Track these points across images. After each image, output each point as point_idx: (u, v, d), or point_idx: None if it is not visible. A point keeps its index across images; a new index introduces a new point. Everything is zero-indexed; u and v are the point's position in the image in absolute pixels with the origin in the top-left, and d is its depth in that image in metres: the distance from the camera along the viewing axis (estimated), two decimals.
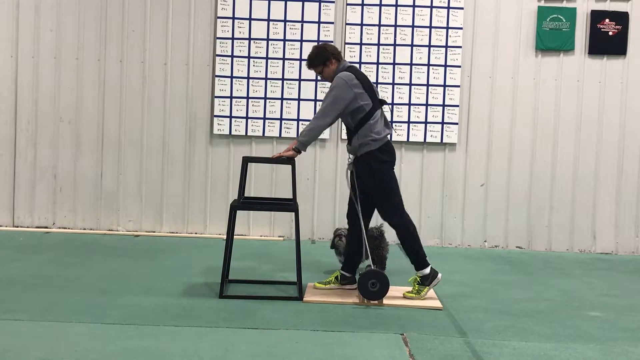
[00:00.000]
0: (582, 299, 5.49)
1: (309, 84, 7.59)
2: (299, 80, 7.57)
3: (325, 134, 7.43)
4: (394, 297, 5.10)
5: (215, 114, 7.62)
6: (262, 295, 5.16)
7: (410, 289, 5.19)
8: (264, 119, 7.62)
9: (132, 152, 7.71)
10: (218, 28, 7.60)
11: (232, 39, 7.59)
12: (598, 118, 7.66)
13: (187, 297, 5.04)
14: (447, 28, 7.57)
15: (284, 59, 7.60)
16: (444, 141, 7.62)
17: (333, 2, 7.56)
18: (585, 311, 5.09)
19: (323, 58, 5.19)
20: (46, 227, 7.72)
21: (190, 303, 4.87)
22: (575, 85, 7.66)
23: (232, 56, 7.60)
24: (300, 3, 7.55)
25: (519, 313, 4.95)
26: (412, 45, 7.59)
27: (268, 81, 7.61)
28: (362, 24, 7.58)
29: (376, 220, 5.56)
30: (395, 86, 7.59)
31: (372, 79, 7.56)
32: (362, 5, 7.56)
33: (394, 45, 7.59)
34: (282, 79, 7.61)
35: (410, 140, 7.62)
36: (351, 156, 5.22)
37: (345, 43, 7.59)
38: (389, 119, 5.34)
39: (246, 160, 5.24)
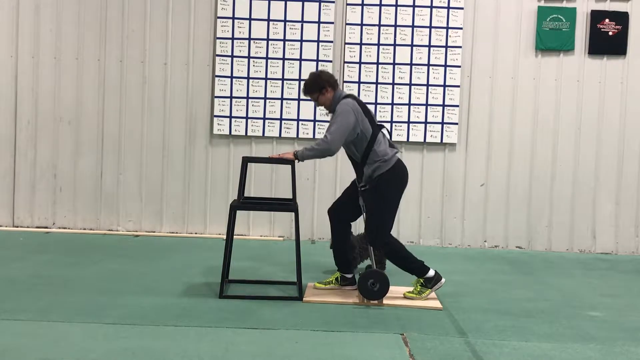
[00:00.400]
0: (582, 299, 5.49)
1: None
2: (299, 80, 7.57)
3: None
4: (394, 297, 5.11)
5: (215, 114, 7.62)
6: (262, 295, 5.16)
7: (411, 289, 5.19)
8: (264, 119, 7.62)
9: (132, 152, 7.71)
10: (218, 28, 7.60)
11: (232, 39, 7.59)
12: (598, 118, 7.66)
13: (187, 297, 5.04)
14: (447, 28, 7.57)
15: (284, 59, 7.60)
16: (444, 141, 7.62)
17: (333, 2, 7.56)
18: (585, 311, 5.09)
19: (319, 85, 5.22)
20: (46, 227, 7.72)
21: (190, 303, 4.87)
22: (575, 85, 7.66)
23: (232, 56, 7.60)
24: (300, 3, 7.55)
25: (519, 313, 4.95)
26: (412, 45, 7.59)
27: (268, 81, 7.61)
28: (362, 24, 7.58)
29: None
30: (395, 86, 7.59)
31: (372, 79, 7.57)
32: (362, 5, 7.56)
33: (394, 45, 7.59)
34: (282, 79, 7.61)
35: (410, 140, 7.62)
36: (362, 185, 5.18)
37: (345, 43, 7.59)
38: (389, 140, 5.33)
39: (246, 160, 5.24)
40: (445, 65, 7.58)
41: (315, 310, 4.82)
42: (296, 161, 5.13)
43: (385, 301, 5.01)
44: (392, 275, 5.32)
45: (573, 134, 7.68)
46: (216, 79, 7.61)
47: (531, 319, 4.79)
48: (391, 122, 7.55)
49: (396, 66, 7.59)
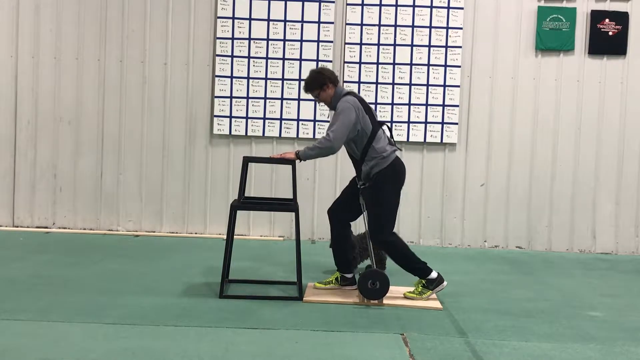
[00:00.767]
0: (582, 299, 5.49)
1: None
2: (299, 80, 7.57)
3: None
4: (394, 297, 5.10)
5: (215, 114, 7.62)
6: (262, 295, 5.16)
7: (411, 289, 5.19)
8: (264, 119, 7.62)
9: (132, 152, 7.71)
10: (218, 28, 7.60)
11: (232, 39, 7.59)
12: (598, 118, 7.66)
13: (187, 297, 5.04)
14: (447, 28, 7.57)
15: (284, 59, 7.60)
16: (444, 141, 7.62)
17: (333, 2, 7.56)
18: (585, 311, 5.09)
19: (320, 82, 5.22)
20: (46, 227, 7.72)
21: (190, 303, 4.87)
22: (575, 85, 7.66)
23: (232, 56, 7.60)
24: (300, 3, 7.55)
25: (519, 313, 4.95)
26: (412, 45, 7.59)
27: (268, 81, 7.61)
28: (362, 24, 7.57)
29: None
30: (395, 86, 7.59)
31: (372, 79, 7.57)
32: (362, 5, 7.56)
33: (394, 45, 7.59)
34: (282, 79, 7.61)
35: (410, 140, 7.62)
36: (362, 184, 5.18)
37: (345, 43, 7.59)
38: (389, 137, 5.32)
39: (246, 160, 5.24)
40: (445, 65, 7.58)
41: (315, 310, 4.82)
42: (298, 161, 5.13)
43: (385, 301, 5.01)
44: (393, 275, 5.32)
45: (573, 134, 7.68)
46: (216, 79, 7.61)
47: (531, 319, 4.79)
48: (391, 122, 7.55)
49: (396, 66, 7.59)
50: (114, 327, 4.26)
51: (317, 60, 7.54)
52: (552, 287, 5.87)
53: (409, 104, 7.60)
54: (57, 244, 7.00)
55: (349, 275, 5.40)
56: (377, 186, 5.06)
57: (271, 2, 7.55)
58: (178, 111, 7.70)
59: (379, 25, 7.58)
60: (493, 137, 7.68)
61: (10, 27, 7.66)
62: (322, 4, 7.55)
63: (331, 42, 7.57)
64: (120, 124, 7.70)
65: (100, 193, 7.73)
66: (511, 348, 4.13)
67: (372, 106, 7.36)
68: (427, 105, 7.59)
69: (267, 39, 7.59)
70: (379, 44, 7.59)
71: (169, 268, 6.04)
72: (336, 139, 5.00)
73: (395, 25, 7.58)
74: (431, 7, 7.56)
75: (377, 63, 7.58)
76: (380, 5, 7.56)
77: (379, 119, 5.29)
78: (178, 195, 7.73)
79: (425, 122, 7.60)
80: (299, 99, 7.58)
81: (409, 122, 7.60)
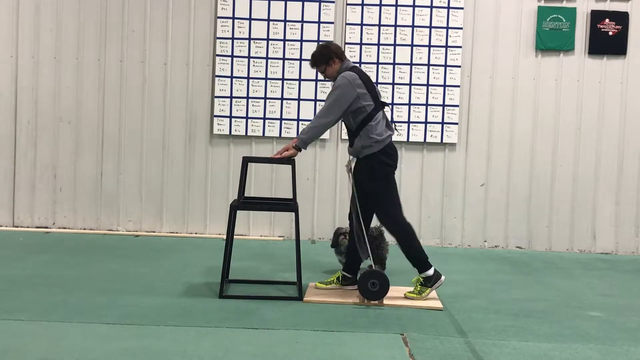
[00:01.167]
0: (582, 299, 5.49)
1: (309, 84, 7.59)
2: (299, 80, 7.57)
3: (325, 134, 7.41)
4: (394, 297, 5.10)
5: (215, 114, 7.62)
6: (262, 295, 5.16)
7: (411, 289, 5.19)
8: (264, 119, 7.62)
9: (132, 152, 7.71)
10: (218, 28, 7.60)
11: (232, 39, 7.59)
12: (598, 118, 7.66)
13: (187, 297, 5.04)
14: (447, 28, 7.57)
15: (284, 59, 7.60)
16: (444, 141, 7.62)
17: (333, 2, 7.56)
18: (585, 311, 5.09)
19: (326, 57, 5.19)
20: (46, 227, 7.72)
21: (190, 303, 4.87)
22: (575, 85, 7.66)
23: (232, 56, 7.60)
24: (300, 3, 7.55)
25: (519, 313, 4.95)
26: (412, 45, 7.59)
27: (268, 81, 7.61)
28: (362, 24, 7.58)
29: (376, 220, 5.55)
30: (395, 86, 7.59)
31: (372, 79, 7.54)
32: (362, 5, 7.56)
33: (394, 45, 7.59)
34: (282, 79, 7.61)
35: (410, 140, 7.62)
36: (351, 157, 5.20)
37: (345, 43, 7.59)
38: (390, 120, 5.32)
39: (246, 160, 5.24)
40: (445, 65, 7.58)
41: (316, 310, 4.81)
42: (299, 151, 5.09)
43: (385, 301, 5.01)
44: (393, 275, 5.32)
45: (573, 134, 7.68)
46: (216, 79, 7.61)
47: (531, 319, 4.79)
48: (392, 121, 7.52)
49: (396, 66, 7.59)
50: (114, 327, 4.26)
51: None
52: (552, 287, 5.87)
53: (409, 104, 7.60)
54: (57, 244, 7.00)
55: (350, 275, 5.39)
56: (371, 171, 5.02)
57: (271, 2, 7.55)
58: (178, 111, 7.70)
59: (379, 25, 7.58)
60: (493, 137, 7.68)
61: (10, 27, 7.66)
62: (322, 4, 7.55)
63: (331, 42, 7.56)
64: (120, 124, 7.70)
65: (100, 193, 7.73)
66: (511, 348, 4.13)
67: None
68: (427, 105, 7.59)
69: (267, 39, 7.59)
70: (379, 44, 7.59)
71: (169, 268, 6.04)
72: (329, 113, 4.99)
73: (395, 25, 7.58)
74: (431, 7, 7.56)
75: (377, 63, 7.58)
76: (380, 5, 7.56)
77: (382, 99, 5.23)
78: (178, 195, 7.73)
79: (425, 122, 7.60)
80: (299, 99, 7.58)
81: (409, 122, 7.60)
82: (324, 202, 7.63)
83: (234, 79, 7.61)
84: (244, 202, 5.36)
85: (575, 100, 7.66)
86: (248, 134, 7.63)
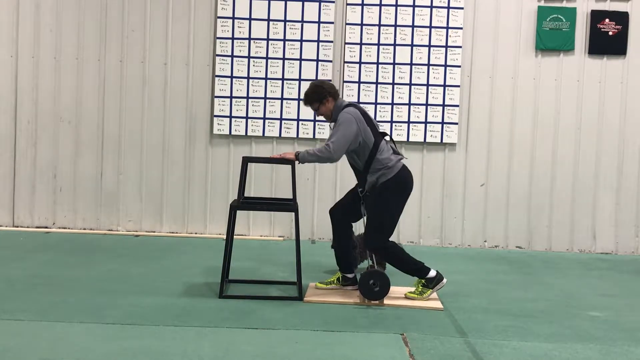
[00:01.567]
0: (582, 299, 5.49)
1: (309, 84, 7.57)
2: (299, 80, 7.57)
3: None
4: (395, 297, 5.10)
5: (215, 114, 7.62)
6: (262, 295, 5.16)
7: (412, 289, 5.19)
8: (264, 119, 7.62)
9: (132, 152, 7.71)
10: (218, 28, 7.60)
11: (232, 39, 7.59)
12: (598, 118, 7.66)
13: (187, 297, 5.04)
14: (447, 28, 7.57)
15: (284, 59, 7.60)
16: (444, 141, 7.62)
17: (333, 2, 7.56)
18: (585, 311, 5.09)
19: (320, 95, 5.21)
20: (46, 227, 7.72)
21: (190, 303, 4.87)
22: (575, 85, 7.66)
23: (232, 56, 7.60)
24: (300, 3, 7.55)
25: (519, 313, 4.95)
26: (412, 45, 7.59)
27: (268, 81, 7.61)
28: (362, 24, 7.58)
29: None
30: (395, 86, 7.59)
31: (372, 79, 7.57)
32: (362, 5, 7.56)
33: (394, 45, 7.59)
34: (282, 79, 7.61)
35: (410, 140, 7.62)
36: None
37: (345, 43, 7.59)
38: (394, 148, 5.30)
39: (246, 160, 5.24)
40: (445, 65, 7.58)
41: (316, 310, 4.81)
42: (296, 162, 5.13)
43: (385, 301, 5.01)
44: (393, 275, 5.31)
45: (573, 134, 7.68)
46: (216, 79, 7.61)
47: (531, 319, 4.79)
48: (391, 122, 7.55)
49: (396, 66, 7.59)
50: (114, 327, 4.26)
51: (317, 60, 7.54)
52: (552, 287, 5.87)
53: (409, 104, 7.59)
54: (57, 244, 7.00)
55: (350, 275, 5.40)
56: (382, 195, 5.05)
57: (271, 2, 7.55)
58: (178, 111, 7.70)
59: (379, 25, 7.58)
60: (493, 137, 7.68)
61: (10, 27, 7.66)
62: (322, 4, 7.55)
63: (331, 42, 7.57)
64: (120, 124, 7.70)
65: (100, 193, 7.73)
66: (511, 348, 4.13)
67: (372, 107, 7.43)
68: (427, 105, 7.59)
69: (267, 39, 7.59)
70: (379, 44, 7.59)
71: (168, 268, 6.04)
72: (336, 150, 5.00)
73: (395, 25, 7.58)
74: (431, 7, 7.56)
75: (377, 63, 7.58)
76: (380, 5, 7.56)
77: (380, 130, 5.27)
78: (178, 195, 7.73)
79: (425, 122, 7.60)
80: (299, 99, 7.58)
81: (409, 122, 7.60)
82: (324, 202, 7.63)
83: (234, 79, 7.61)
84: (244, 202, 5.36)
85: (575, 100, 7.66)
86: (248, 134, 7.63)
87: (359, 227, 6.35)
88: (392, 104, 7.57)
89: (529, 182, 7.69)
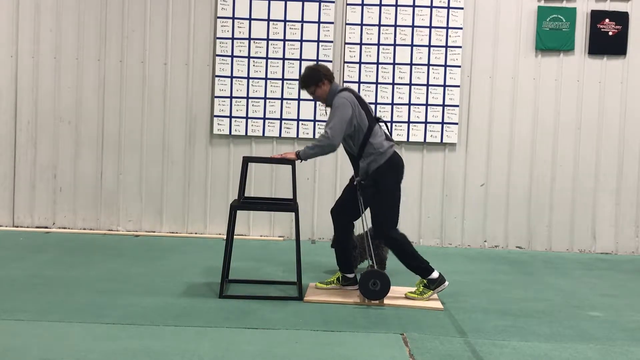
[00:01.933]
0: (582, 299, 5.49)
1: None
2: (299, 80, 7.55)
3: None
4: (395, 297, 5.10)
5: (215, 114, 7.62)
6: (262, 295, 5.16)
7: (413, 289, 5.18)
8: (264, 119, 7.62)
9: (132, 152, 7.71)
10: (218, 28, 7.60)
11: (232, 39, 7.59)
12: (598, 118, 7.66)
13: (187, 297, 5.04)
14: (447, 28, 7.57)
15: (284, 59, 7.60)
16: (444, 141, 7.62)
17: (333, 2, 7.56)
18: (585, 311, 5.09)
19: (315, 79, 5.21)
20: (46, 227, 7.72)
21: (190, 303, 4.87)
22: (575, 85, 7.66)
23: (232, 56, 7.60)
24: (300, 3, 7.55)
25: (519, 313, 4.95)
26: (412, 45, 7.59)
27: (268, 81, 7.61)
28: (362, 24, 7.58)
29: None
30: (395, 86, 7.59)
31: (372, 79, 7.57)
32: (362, 5, 7.56)
33: (394, 45, 7.59)
34: (282, 79, 7.61)
35: (410, 140, 7.62)
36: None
37: (345, 43, 7.59)
38: (388, 133, 5.32)
39: (246, 160, 5.24)
40: (445, 65, 7.58)
41: (316, 310, 4.81)
42: (298, 161, 5.13)
43: (386, 301, 5.01)
44: (393, 275, 5.31)
45: (573, 134, 7.68)
46: (216, 79, 7.61)
47: (531, 319, 4.79)
48: (391, 122, 7.55)
49: (396, 66, 7.59)
50: (114, 327, 4.26)
51: (317, 60, 7.54)
52: (552, 287, 5.87)
53: (409, 104, 7.60)
54: (57, 244, 7.00)
55: (351, 275, 5.40)
56: (376, 183, 5.05)
57: (271, 2, 7.55)
58: (178, 111, 7.70)
59: (379, 25, 7.58)
60: (493, 137, 7.68)
61: (10, 27, 7.66)
62: (322, 4, 7.55)
63: (331, 42, 7.57)
64: (120, 124, 7.70)
65: (100, 193, 7.73)
66: (511, 348, 4.13)
67: (372, 107, 7.42)
68: (427, 105, 7.59)
69: (267, 39, 7.59)
70: (379, 44, 7.59)
71: (169, 268, 6.04)
72: (334, 135, 4.99)
73: (395, 25, 7.58)
74: (431, 7, 7.56)
75: (377, 63, 7.58)
76: (380, 5, 7.56)
77: (376, 115, 5.28)
78: (178, 195, 7.73)
79: (425, 122, 7.60)
80: (299, 99, 7.58)
81: (409, 122, 7.60)
82: (324, 202, 7.63)
83: (234, 79, 7.61)
84: (244, 202, 5.36)
85: (575, 100, 7.66)
86: (248, 134, 7.63)
87: (359, 227, 6.36)
88: (392, 104, 7.57)
89: (529, 182, 7.69)
